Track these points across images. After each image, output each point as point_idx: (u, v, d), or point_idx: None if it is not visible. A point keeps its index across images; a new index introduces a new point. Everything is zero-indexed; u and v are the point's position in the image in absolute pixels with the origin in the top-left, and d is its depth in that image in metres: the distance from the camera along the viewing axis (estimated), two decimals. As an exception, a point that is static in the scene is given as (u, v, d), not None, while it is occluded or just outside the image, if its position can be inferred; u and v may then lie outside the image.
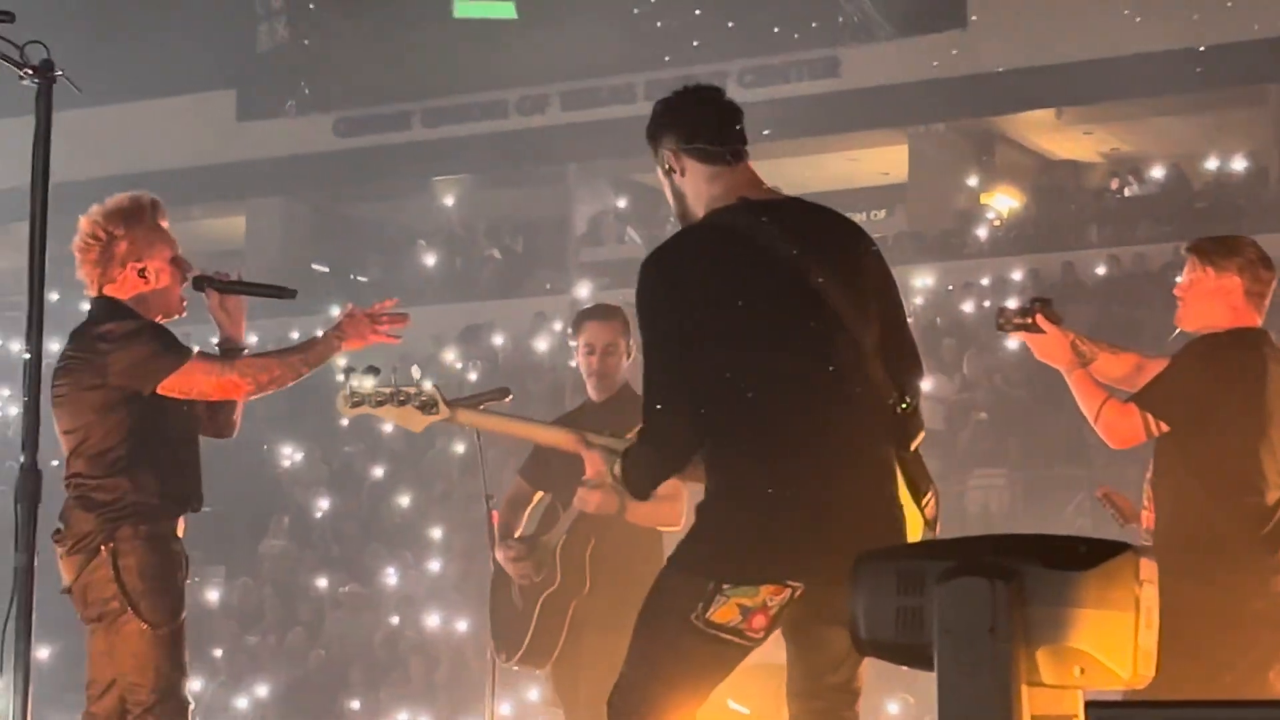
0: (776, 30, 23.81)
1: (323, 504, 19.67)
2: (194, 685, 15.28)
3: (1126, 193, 23.78)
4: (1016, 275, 20.59)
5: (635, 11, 23.09)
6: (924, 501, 4.46)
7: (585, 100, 25.53)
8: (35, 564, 4.31)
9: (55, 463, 5.25)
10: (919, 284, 20.32)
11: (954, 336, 19.15)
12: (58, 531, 5.51)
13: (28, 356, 4.41)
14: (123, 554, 5.48)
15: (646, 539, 6.74)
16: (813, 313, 4.37)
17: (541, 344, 21.93)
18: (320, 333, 5.90)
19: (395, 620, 16.87)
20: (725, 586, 4.27)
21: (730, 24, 23.75)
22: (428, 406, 5.03)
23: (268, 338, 17.76)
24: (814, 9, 23.91)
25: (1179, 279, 6.02)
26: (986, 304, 18.99)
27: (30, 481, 4.28)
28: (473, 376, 20.59)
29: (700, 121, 4.57)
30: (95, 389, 5.49)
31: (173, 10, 24.78)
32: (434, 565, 17.26)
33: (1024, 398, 17.20)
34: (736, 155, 4.56)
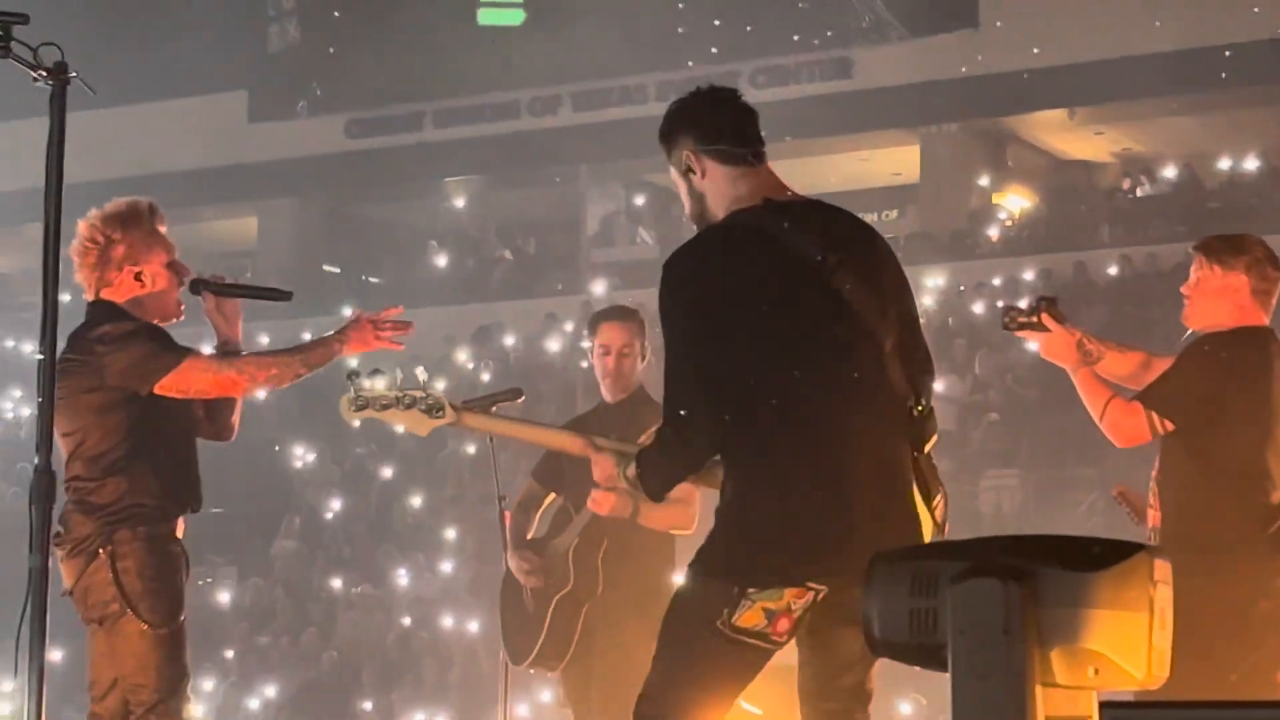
0: (788, 31, 23.82)
1: (334, 505, 19.68)
2: (206, 685, 15.34)
3: (1139, 193, 23.76)
4: (1028, 275, 20.57)
5: (647, 13, 23.07)
6: (934, 504, 4.46)
7: (597, 101, 25.54)
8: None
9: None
10: (930, 284, 20.31)
11: (965, 337, 19.15)
12: (57, 535, 5.52)
13: (40, 358, 4.41)
14: (121, 556, 5.50)
15: (659, 542, 6.74)
16: (836, 315, 4.37)
17: (553, 345, 21.94)
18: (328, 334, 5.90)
19: (407, 621, 16.88)
20: (750, 590, 4.26)
21: (742, 25, 23.75)
22: (434, 410, 4.97)
23: (279, 339, 17.77)
24: (826, 10, 23.90)
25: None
26: (998, 304, 18.93)
27: (45, 483, 4.28)
28: (485, 377, 20.60)
29: (722, 122, 4.55)
30: (93, 391, 5.51)
31: (184, 12, 24.81)
32: (446, 566, 17.27)
33: (1036, 398, 17.19)
34: (758, 157, 4.56)
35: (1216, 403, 5.75)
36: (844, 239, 4.48)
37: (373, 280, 27.45)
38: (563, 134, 25.68)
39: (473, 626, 15.57)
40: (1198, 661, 5.11)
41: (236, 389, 5.68)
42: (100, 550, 5.50)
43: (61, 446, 5.59)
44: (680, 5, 23.70)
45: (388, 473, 20.17)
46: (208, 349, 5.92)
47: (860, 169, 25.55)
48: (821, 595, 4.28)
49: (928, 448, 4.49)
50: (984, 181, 24.93)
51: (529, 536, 7.06)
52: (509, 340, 23.01)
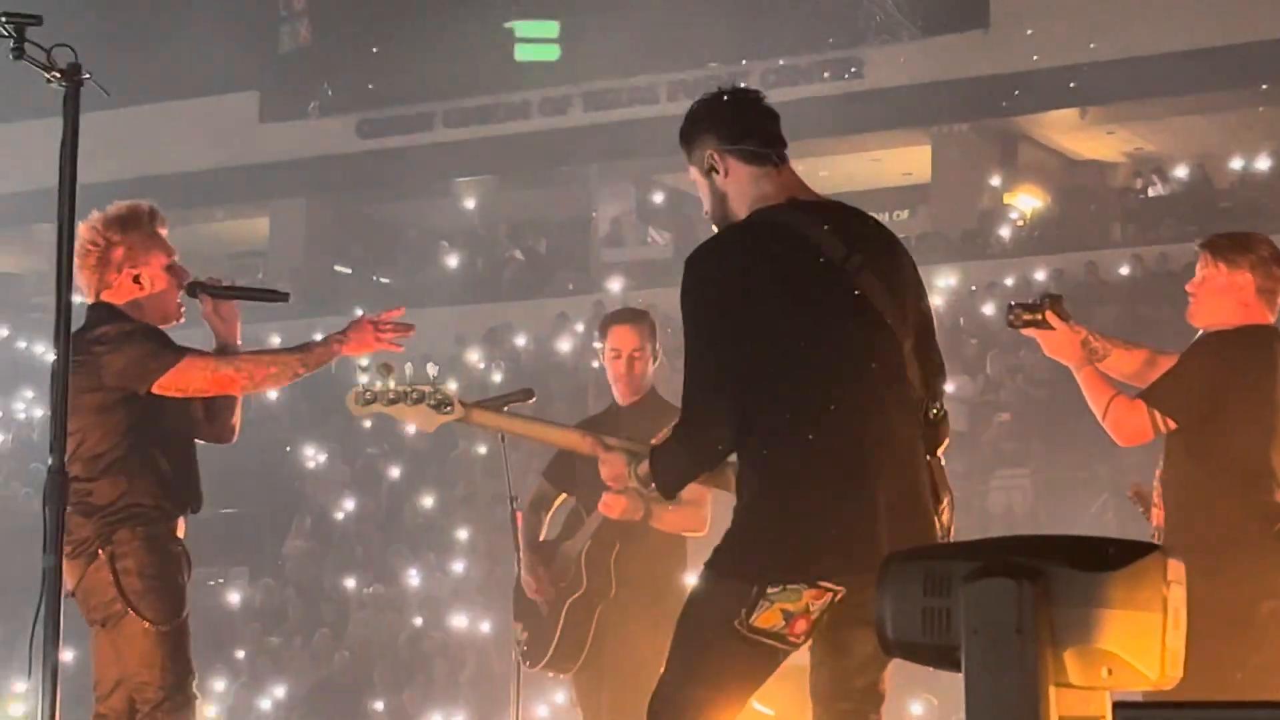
0: (799, 31, 23.82)
1: (345, 505, 19.69)
2: (217, 686, 15.35)
3: (1150, 192, 23.73)
4: (1040, 275, 20.55)
5: (657, 13, 23.07)
6: (940, 509, 4.47)
7: (607, 101, 25.56)
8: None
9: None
10: (942, 284, 20.29)
11: (977, 337, 19.14)
12: None
13: (53, 358, 4.40)
14: (120, 556, 5.52)
15: (671, 545, 6.74)
16: (859, 315, 4.38)
17: (564, 345, 21.94)
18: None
19: (419, 621, 16.89)
20: (770, 591, 4.26)
21: (753, 25, 23.75)
22: (442, 406, 4.93)
23: (291, 340, 17.77)
24: (837, 10, 23.90)
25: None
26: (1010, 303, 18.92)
27: (58, 484, 4.28)
28: (497, 378, 20.61)
29: (746, 122, 4.56)
30: (92, 391, 5.52)
31: (195, 13, 24.85)
32: (457, 566, 17.27)
33: (1047, 398, 17.17)
34: (781, 158, 4.57)
35: (1219, 401, 5.74)
36: (866, 241, 4.49)
37: (383, 280, 27.48)
38: (573, 134, 25.69)
39: (484, 627, 15.57)
40: (1201, 661, 5.09)
41: (235, 387, 5.70)
42: (100, 551, 5.52)
43: None
44: (691, 6, 23.69)
45: (399, 473, 20.19)
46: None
47: (871, 169, 25.56)
48: (839, 596, 4.28)
49: (940, 451, 4.51)
50: (995, 181, 24.92)
51: (541, 538, 7.06)
52: (520, 340, 23.02)
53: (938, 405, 4.49)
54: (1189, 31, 21.74)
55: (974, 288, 21.00)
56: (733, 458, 4.44)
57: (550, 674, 7.22)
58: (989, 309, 19.83)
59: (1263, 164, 22.57)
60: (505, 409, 5.18)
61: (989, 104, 23.78)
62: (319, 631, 17.23)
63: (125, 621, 5.51)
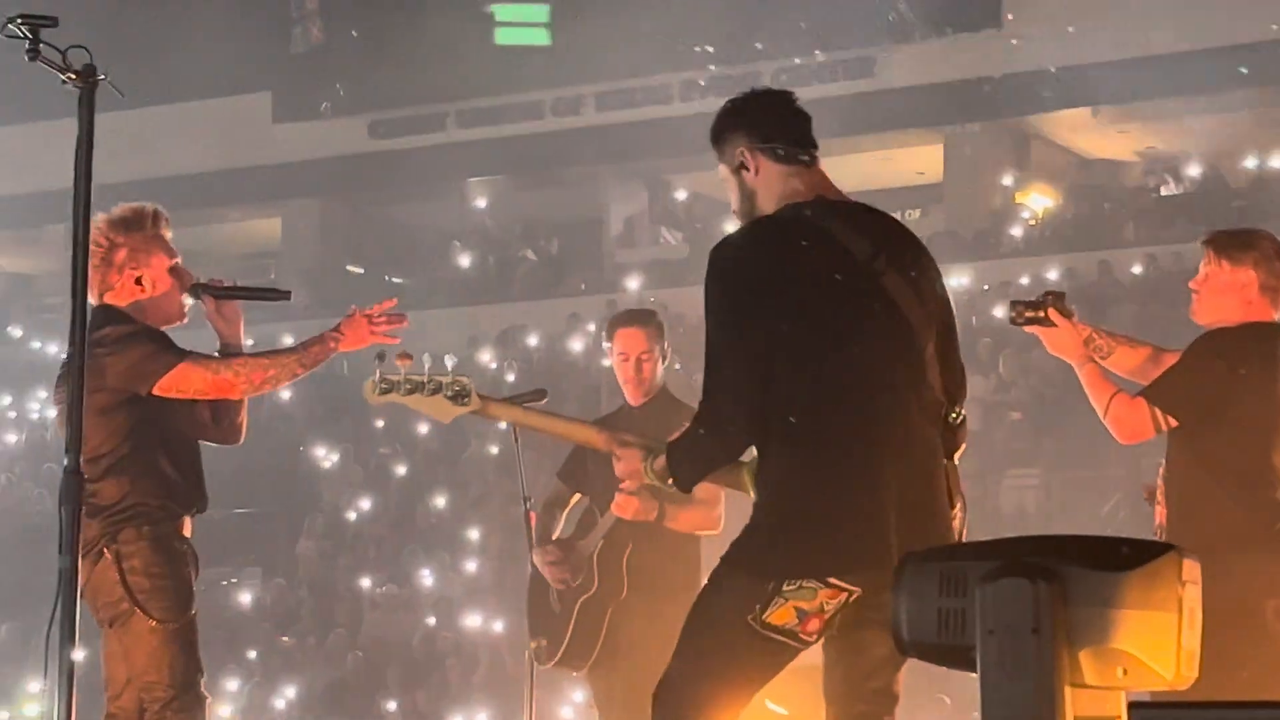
0: (811, 31, 23.80)
1: (358, 505, 19.71)
2: (230, 686, 15.36)
3: (1163, 191, 23.70)
4: (1052, 274, 20.51)
5: (670, 13, 23.07)
6: (953, 513, 4.47)
7: (620, 101, 25.55)
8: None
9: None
10: (955, 284, 20.23)
11: (990, 336, 19.11)
12: None
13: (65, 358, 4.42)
14: (126, 556, 5.54)
15: (684, 545, 6.74)
16: (884, 314, 4.38)
17: (576, 345, 21.94)
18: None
19: (432, 621, 16.90)
20: (785, 588, 4.26)
21: (765, 25, 23.75)
22: (459, 397, 4.92)
23: (304, 339, 17.78)
24: (849, 9, 23.88)
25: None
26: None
27: (74, 484, 4.29)
28: (509, 378, 20.61)
29: (778, 121, 4.60)
30: (95, 393, 5.53)
31: (207, 14, 24.88)
32: (470, 566, 17.28)
33: (1059, 397, 17.15)
34: (812, 158, 4.61)
35: (1221, 399, 5.73)
36: (892, 242, 4.51)
37: (396, 280, 27.48)
38: (586, 134, 25.69)
39: (498, 626, 15.58)
40: (1205, 660, 5.09)
41: (234, 390, 5.73)
42: (106, 550, 5.54)
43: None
44: (703, 6, 23.68)
45: (412, 473, 20.20)
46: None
47: (883, 168, 25.52)
48: (854, 597, 4.28)
49: (957, 456, 4.52)
50: (1008, 181, 24.88)
51: (555, 537, 7.06)
52: (532, 340, 23.02)
53: (957, 410, 4.49)
54: (1202, 30, 21.70)
55: (986, 287, 20.97)
56: (749, 456, 4.45)
57: (568, 673, 7.23)
58: (1001, 308, 19.79)
59: (1277, 162, 22.50)
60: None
61: (1001, 103, 23.75)
62: (333, 631, 17.25)
63: (133, 620, 5.53)
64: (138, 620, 5.52)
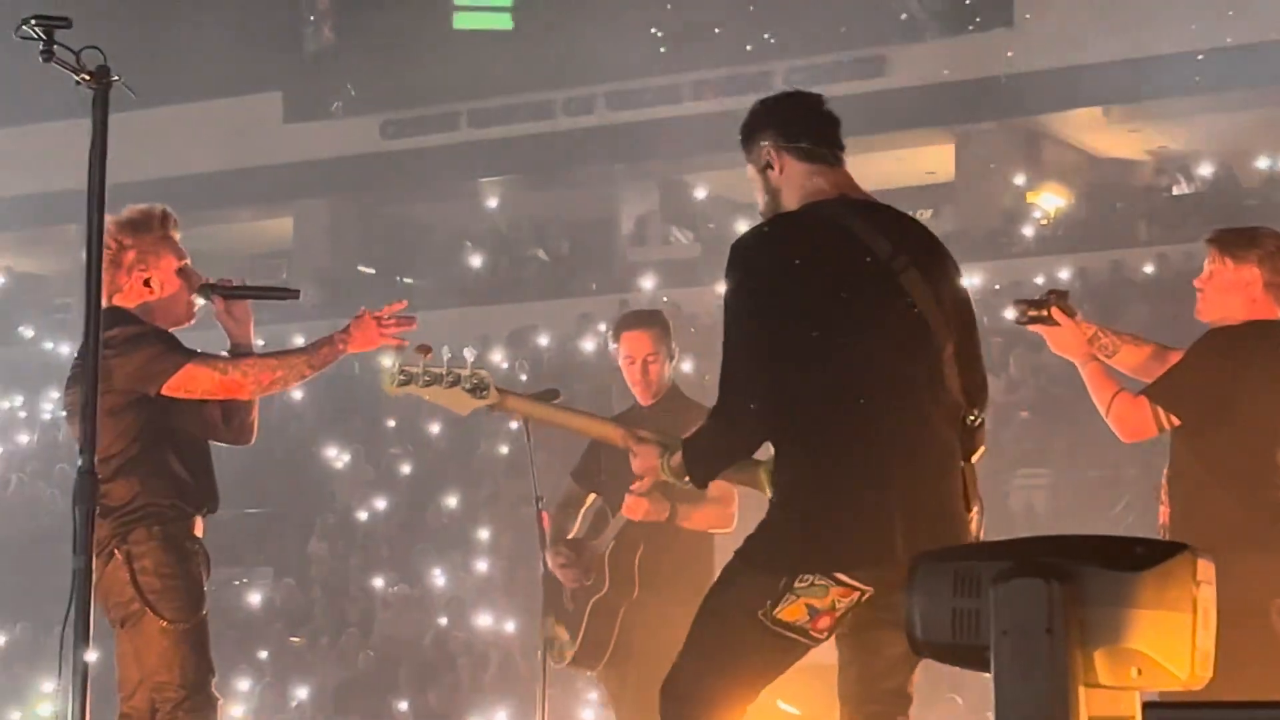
0: (823, 30, 23.79)
1: (369, 505, 19.72)
2: (241, 685, 15.36)
3: (1175, 191, 23.66)
4: (1064, 274, 20.48)
5: (681, 13, 23.07)
6: (970, 516, 4.46)
7: (631, 101, 25.55)
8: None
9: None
10: (966, 284, 20.16)
11: (1001, 336, 19.09)
12: None
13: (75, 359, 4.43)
14: (137, 556, 5.54)
15: (697, 544, 6.73)
16: (902, 313, 4.38)
17: (587, 345, 21.93)
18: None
19: (444, 621, 16.90)
20: (797, 585, 4.26)
21: (776, 24, 23.74)
22: (478, 390, 4.93)
23: (315, 339, 17.78)
24: (860, 8, 23.87)
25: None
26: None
27: (88, 484, 4.29)
28: (521, 378, 20.61)
29: (804, 121, 4.61)
30: (103, 394, 5.51)
31: (218, 13, 24.90)
32: (482, 566, 17.28)
33: (1068, 397, 17.13)
34: (837, 159, 4.61)
35: (1223, 397, 5.70)
36: (913, 242, 4.51)
37: (407, 280, 27.49)
38: (597, 134, 25.69)
39: (510, 626, 15.58)
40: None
41: (243, 391, 5.73)
42: (116, 550, 5.54)
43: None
44: (714, 5, 23.69)
45: (423, 473, 20.20)
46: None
47: (894, 168, 25.49)
48: (867, 596, 4.27)
49: (975, 459, 4.51)
50: (1019, 180, 24.86)
51: (570, 537, 7.06)
52: (543, 341, 23.02)
53: (975, 413, 4.49)
54: (1213, 29, 21.67)
55: (998, 286, 20.94)
56: (766, 455, 4.45)
57: (578, 672, 7.22)
58: (1012, 309, 19.75)
59: (1289, 162, 22.50)
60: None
61: (1012, 102, 23.73)
62: (344, 631, 17.25)
63: (144, 621, 5.52)
64: (149, 620, 5.52)
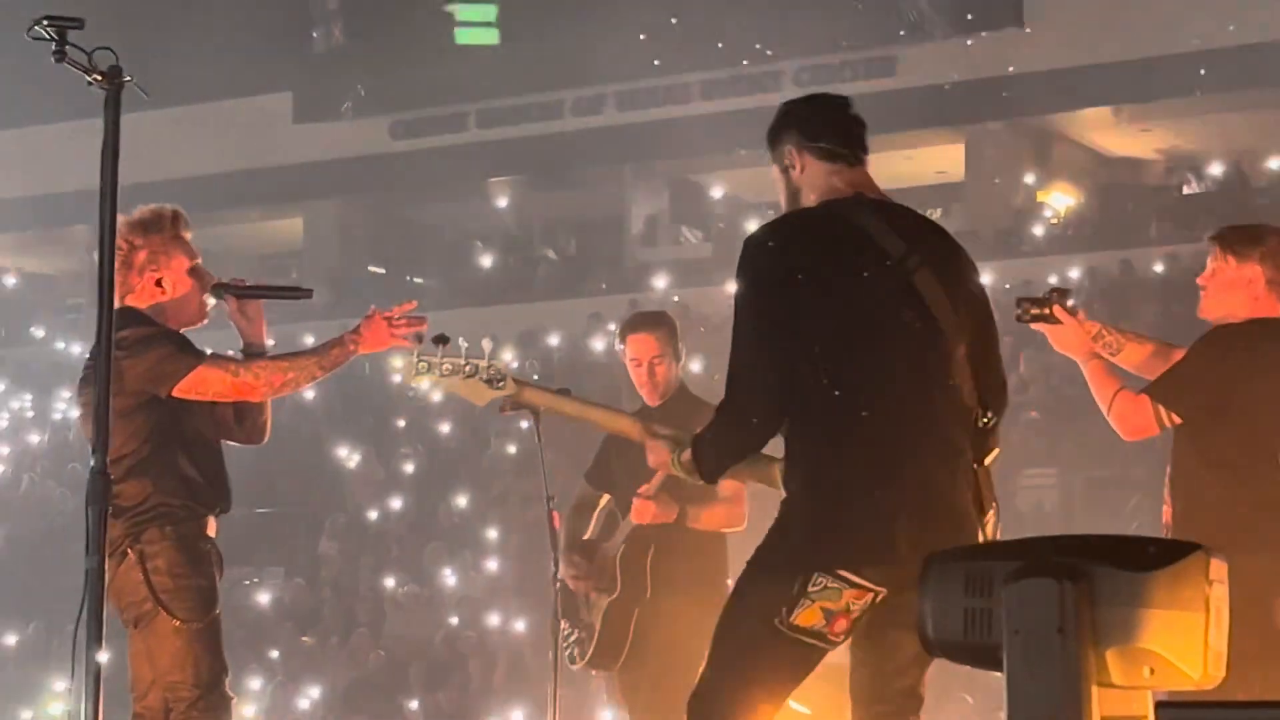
0: (832, 29, 23.78)
1: (380, 505, 19.72)
2: (253, 685, 15.37)
3: (1185, 190, 23.64)
4: (1074, 273, 20.46)
5: (690, 12, 23.06)
6: (985, 519, 4.46)
7: (641, 101, 25.54)
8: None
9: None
10: (977, 283, 20.20)
11: (1012, 335, 19.08)
12: None
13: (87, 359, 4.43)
14: (150, 556, 5.56)
15: (709, 543, 6.73)
16: (915, 312, 4.38)
17: (597, 345, 21.93)
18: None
19: (454, 620, 16.90)
20: (811, 590, 4.26)
21: (786, 23, 23.72)
22: (495, 381, 4.99)
23: (325, 340, 17.79)
24: (870, 8, 23.86)
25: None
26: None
27: (101, 484, 4.30)
28: (534, 378, 20.60)
29: (827, 122, 4.63)
30: (114, 395, 5.54)
31: (228, 14, 24.92)
32: (492, 565, 17.28)
33: (1077, 396, 17.11)
34: (858, 159, 4.62)
35: (1225, 395, 5.70)
36: (928, 242, 4.51)
37: (417, 281, 27.51)
38: (606, 134, 25.69)
39: (520, 626, 15.57)
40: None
41: (254, 393, 5.74)
42: (129, 550, 5.55)
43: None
44: (724, 5, 23.67)
45: (433, 472, 20.21)
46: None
47: (905, 167, 25.48)
48: (880, 597, 4.27)
49: (988, 460, 4.51)
50: (1029, 179, 24.85)
51: (585, 538, 7.06)
52: (553, 341, 23.02)
53: (989, 415, 4.49)
54: (1223, 28, 21.64)
55: (1008, 286, 20.90)
56: (780, 451, 4.45)
57: (593, 672, 7.23)
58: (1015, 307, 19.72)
59: (1300, 161, 22.47)
60: (543, 409, 5.19)
61: (1023, 102, 23.71)
62: (355, 631, 17.25)
63: (157, 621, 5.54)
64: (162, 620, 5.53)
